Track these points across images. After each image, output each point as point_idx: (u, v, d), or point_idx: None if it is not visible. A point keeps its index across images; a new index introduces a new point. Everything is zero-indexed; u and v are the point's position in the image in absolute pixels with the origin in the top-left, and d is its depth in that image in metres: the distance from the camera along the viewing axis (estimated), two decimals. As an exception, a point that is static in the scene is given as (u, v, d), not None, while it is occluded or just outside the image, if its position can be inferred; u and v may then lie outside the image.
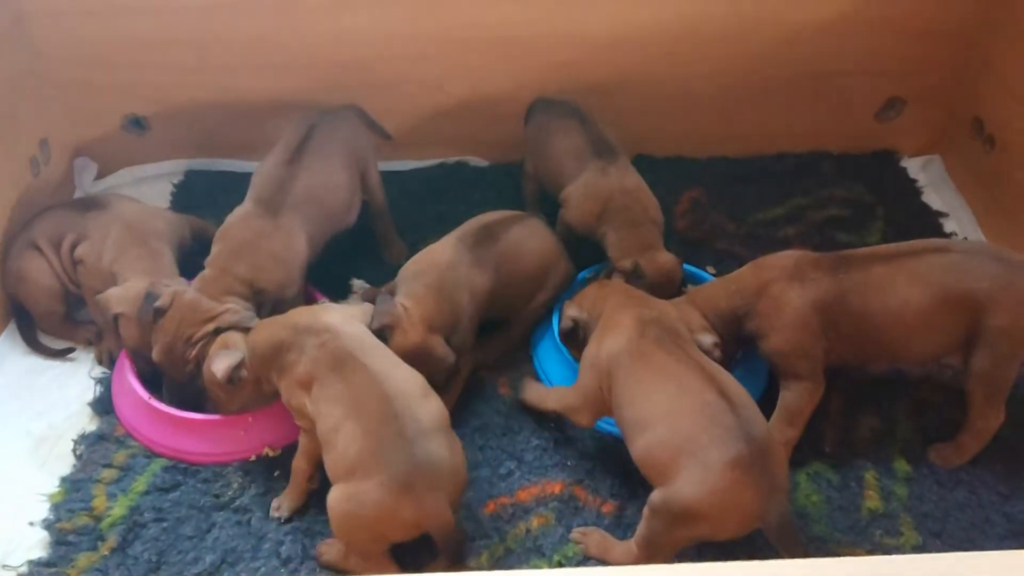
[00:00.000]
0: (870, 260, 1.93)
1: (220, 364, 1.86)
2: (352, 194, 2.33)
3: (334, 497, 1.67)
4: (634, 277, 2.12)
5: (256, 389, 1.91)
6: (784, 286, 1.94)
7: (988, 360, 1.87)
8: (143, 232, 2.28)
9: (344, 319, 1.87)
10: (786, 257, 2.00)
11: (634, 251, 2.16)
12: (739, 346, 2.04)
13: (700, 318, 1.95)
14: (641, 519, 1.70)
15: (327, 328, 1.82)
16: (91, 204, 2.37)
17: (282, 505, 1.88)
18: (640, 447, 1.70)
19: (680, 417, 1.65)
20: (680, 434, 1.63)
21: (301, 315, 1.90)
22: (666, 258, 2.16)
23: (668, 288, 2.13)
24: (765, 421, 1.67)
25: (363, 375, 1.73)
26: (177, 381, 2.03)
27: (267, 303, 2.08)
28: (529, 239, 2.24)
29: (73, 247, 2.29)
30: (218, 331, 1.97)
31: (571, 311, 2.01)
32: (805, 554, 1.55)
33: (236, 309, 2.01)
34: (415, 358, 1.89)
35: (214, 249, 2.13)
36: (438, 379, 1.95)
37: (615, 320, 1.87)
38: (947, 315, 1.86)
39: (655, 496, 1.65)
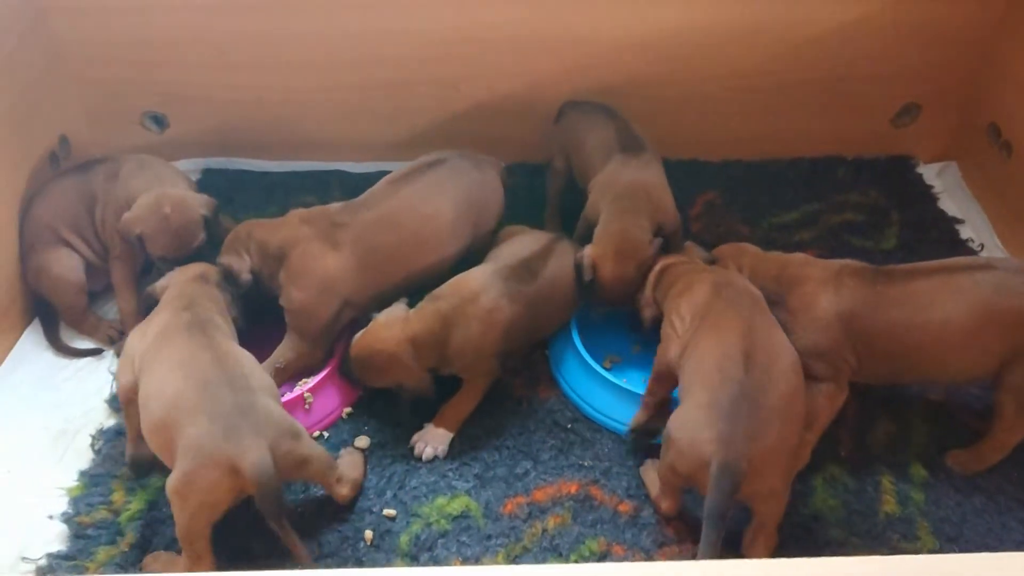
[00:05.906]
0: (911, 275, 1.92)
1: None
2: (452, 232, 2.22)
3: (171, 479, 1.64)
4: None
5: None
6: (818, 288, 1.94)
7: None
8: (152, 162, 2.39)
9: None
10: (833, 263, 2.00)
11: (607, 236, 2.14)
12: None
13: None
14: None
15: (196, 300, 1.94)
16: (93, 163, 2.42)
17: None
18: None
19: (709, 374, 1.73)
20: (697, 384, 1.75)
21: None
22: (610, 268, 2.10)
23: (613, 292, 2.13)
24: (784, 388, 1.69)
25: (201, 339, 1.80)
26: None
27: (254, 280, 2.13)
28: (564, 270, 2.20)
29: (93, 216, 2.33)
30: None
31: (647, 311, 2.06)
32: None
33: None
34: (383, 363, 1.97)
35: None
36: (405, 396, 2.03)
37: (691, 284, 1.95)
38: (990, 333, 1.84)
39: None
